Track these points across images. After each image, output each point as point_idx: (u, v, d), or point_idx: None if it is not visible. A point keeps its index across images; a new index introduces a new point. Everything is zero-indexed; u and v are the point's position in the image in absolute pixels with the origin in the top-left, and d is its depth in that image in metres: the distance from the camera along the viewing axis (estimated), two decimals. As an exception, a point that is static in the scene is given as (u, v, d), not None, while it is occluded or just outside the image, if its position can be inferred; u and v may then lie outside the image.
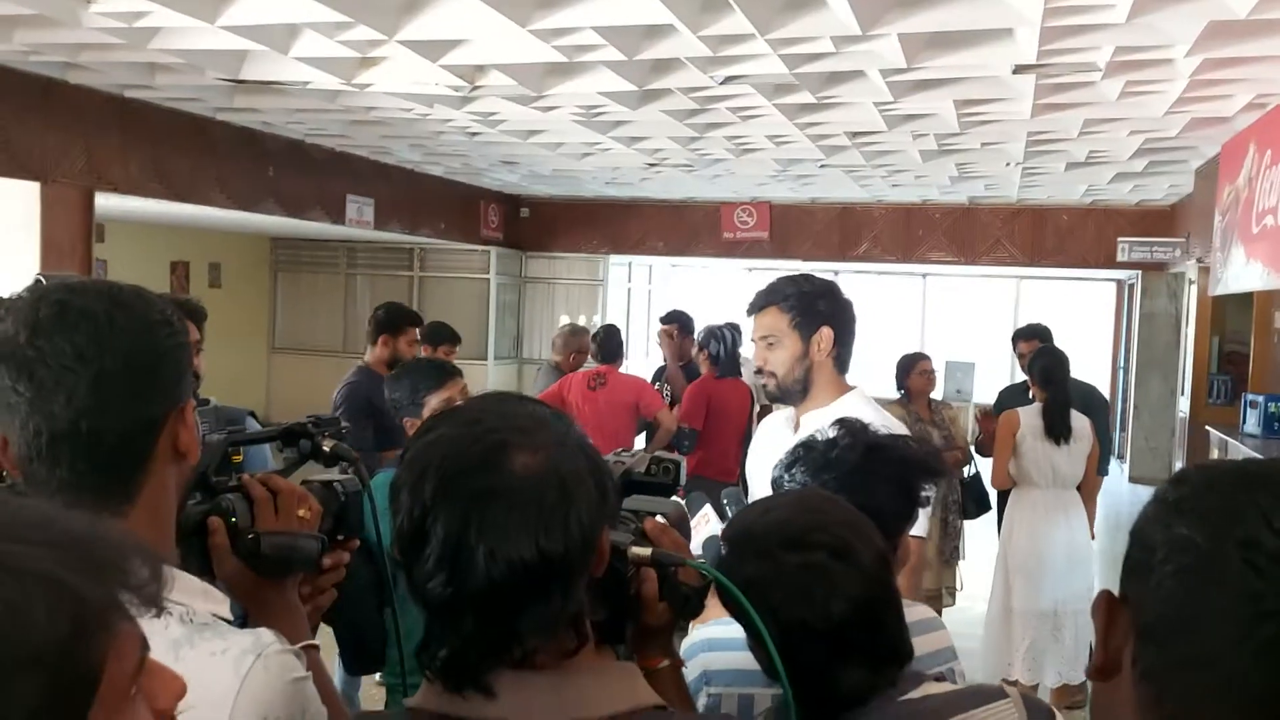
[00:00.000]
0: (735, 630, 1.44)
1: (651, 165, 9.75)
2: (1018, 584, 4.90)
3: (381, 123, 8.10)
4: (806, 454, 1.65)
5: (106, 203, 7.80)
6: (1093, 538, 5.10)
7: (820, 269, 13.58)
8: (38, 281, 1.24)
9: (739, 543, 1.34)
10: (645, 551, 1.20)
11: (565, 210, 13.02)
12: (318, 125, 8.51)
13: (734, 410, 5.95)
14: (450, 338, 5.93)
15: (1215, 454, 8.16)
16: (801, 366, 2.47)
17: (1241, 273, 6.67)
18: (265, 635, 1.09)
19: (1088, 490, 5.01)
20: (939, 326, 14.45)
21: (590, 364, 6.46)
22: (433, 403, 2.80)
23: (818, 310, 2.48)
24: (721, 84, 6.17)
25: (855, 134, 7.71)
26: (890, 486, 1.60)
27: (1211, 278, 7.79)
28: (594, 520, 1.04)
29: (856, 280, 14.07)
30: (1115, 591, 0.79)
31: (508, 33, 5.21)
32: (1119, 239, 10.41)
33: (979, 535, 6.13)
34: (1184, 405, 9.60)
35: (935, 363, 6.00)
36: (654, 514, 1.30)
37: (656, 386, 6.65)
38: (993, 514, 5.62)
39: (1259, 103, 6.18)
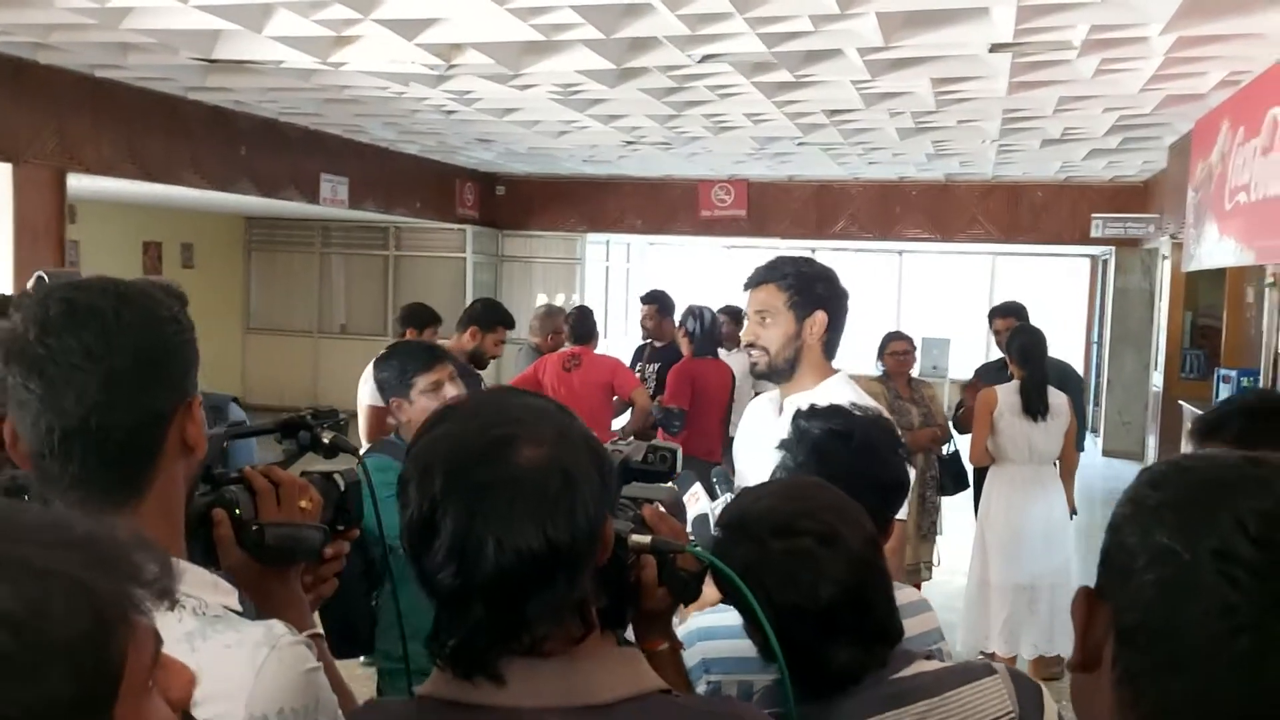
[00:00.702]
0: (729, 618, 1.46)
1: (629, 143, 9.73)
2: (995, 558, 4.96)
3: (356, 101, 8.04)
4: (800, 439, 1.67)
5: (78, 183, 7.72)
6: (1075, 513, 5.16)
7: (798, 246, 13.62)
8: (40, 279, 1.24)
9: (732, 529, 1.37)
10: (645, 539, 1.22)
11: (542, 188, 12.98)
12: (291, 104, 8.44)
13: (715, 389, 5.98)
14: (434, 319, 5.91)
15: (1188, 427, 8.27)
16: (792, 346, 2.49)
17: (1215, 248, 6.74)
18: (278, 627, 1.11)
19: (1066, 467, 5.07)
20: (915, 303, 14.53)
21: (567, 345, 6.46)
22: (420, 384, 2.80)
23: (815, 293, 2.50)
24: (700, 62, 6.17)
25: (833, 112, 7.72)
26: (876, 484, 1.63)
27: (1185, 253, 7.87)
28: (598, 509, 1.07)
29: (833, 258, 14.11)
30: (1091, 586, 0.81)
31: (485, 11, 5.19)
32: (1093, 215, 10.48)
33: (956, 511, 6.19)
34: (1157, 380, 9.70)
35: (913, 343, 6.01)
36: (650, 500, 1.32)
37: (638, 367, 6.66)
38: (970, 490, 5.68)
39: (1232, 80, 6.23)
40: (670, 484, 1.41)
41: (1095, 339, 13.71)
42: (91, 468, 1.09)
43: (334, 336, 13.64)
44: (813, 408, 1.83)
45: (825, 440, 1.68)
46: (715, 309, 6.69)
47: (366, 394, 5.18)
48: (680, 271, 14.88)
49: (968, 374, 13.55)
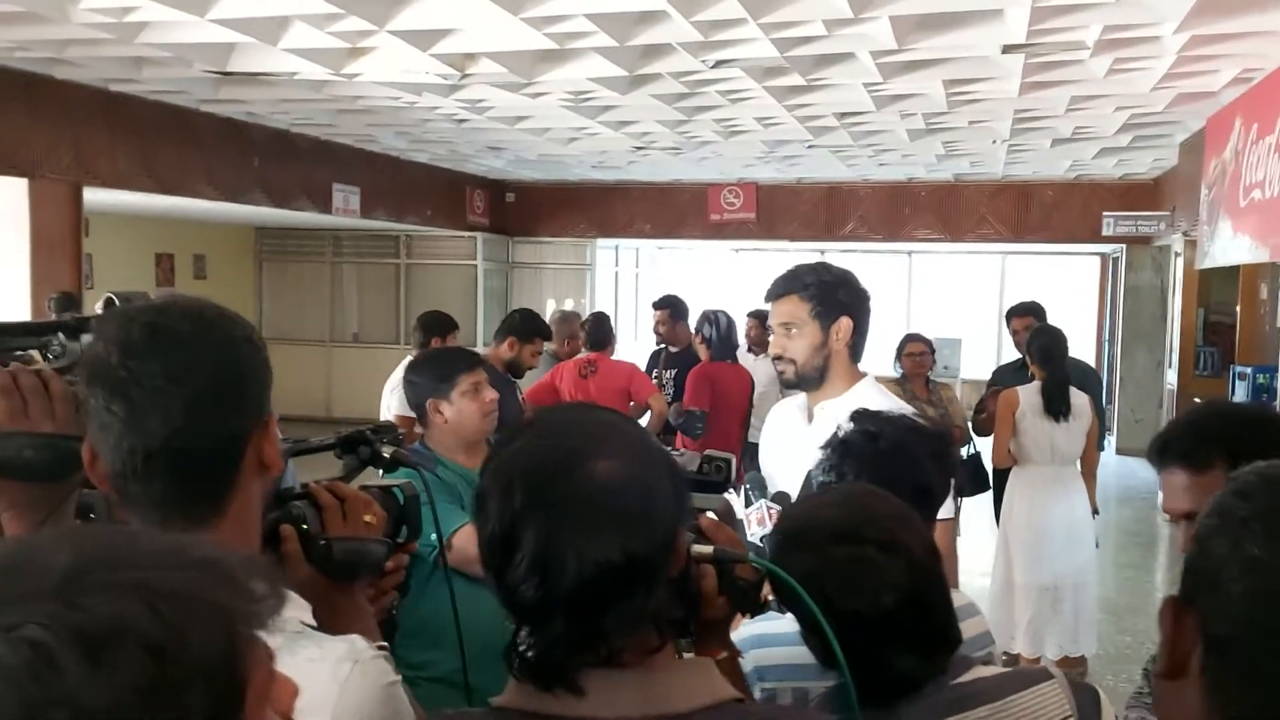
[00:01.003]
0: (782, 625, 1.48)
1: (639, 149, 9.75)
2: (1018, 559, 4.97)
3: (368, 111, 8.07)
4: (844, 454, 1.69)
5: (90, 196, 7.76)
6: (1097, 512, 5.16)
7: (807, 249, 13.64)
8: (110, 301, 1.26)
9: (790, 538, 1.38)
10: (707, 549, 1.24)
11: (551, 194, 13.01)
12: (303, 115, 8.47)
13: (734, 393, 6.00)
14: (453, 325, 5.97)
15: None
16: (820, 355, 2.49)
17: (1229, 245, 6.74)
18: (359, 642, 1.12)
19: (1087, 467, 5.07)
20: (925, 304, 14.52)
21: (583, 351, 6.48)
22: (463, 385, 2.83)
23: (837, 300, 2.51)
24: (712, 68, 6.18)
25: (843, 115, 7.73)
26: (916, 482, 1.65)
27: (1199, 251, 7.86)
28: (672, 521, 1.09)
29: (843, 259, 14.07)
30: (1176, 596, 0.82)
31: (499, 21, 5.21)
32: (1104, 213, 10.47)
33: (975, 513, 6.20)
34: (1171, 377, 9.69)
35: (930, 345, 6.03)
36: (705, 511, 1.33)
37: (655, 373, 6.67)
38: (988, 492, 5.69)
39: (1245, 77, 6.23)
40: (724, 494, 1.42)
41: (1107, 337, 13.69)
42: (173, 488, 1.11)
43: (347, 345, 13.68)
44: (856, 412, 1.84)
45: (857, 440, 1.70)
46: (743, 312, 6.73)
47: (395, 403, 5.23)
48: (690, 275, 14.89)
49: (979, 374, 13.55)
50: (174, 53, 6.12)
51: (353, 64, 6.26)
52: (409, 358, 6.20)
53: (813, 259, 12.07)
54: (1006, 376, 5.66)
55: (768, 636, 1.55)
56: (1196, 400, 8.52)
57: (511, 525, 1.04)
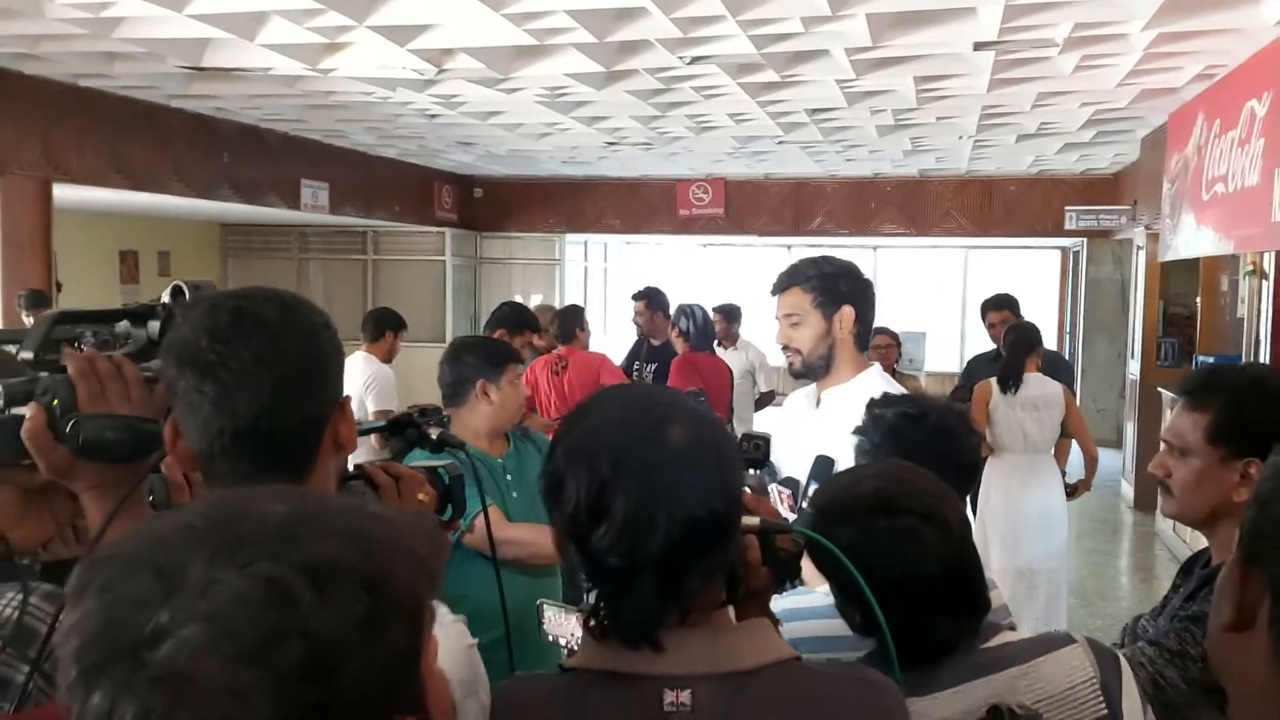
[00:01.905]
0: (815, 599, 1.55)
1: (610, 144, 9.79)
2: (995, 544, 5.08)
3: (340, 106, 8.05)
4: (889, 436, 1.77)
5: (54, 193, 7.68)
6: (1088, 488, 5.30)
7: (774, 244, 13.76)
8: (178, 289, 1.30)
9: (830, 512, 1.45)
10: (754, 520, 1.30)
11: (520, 190, 13.02)
12: (273, 110, 8.43)
13: (716, 382, 6.08)
14: (403, 324, 6.41)
15: (1168, 413, 8.44)
16: (825, 344, 2.57)
17: (1192, 238, 6.89)
18: (440, 607, 1.17)
19: (1088, 454, 5.21)
20: (890, 298, 14.68)
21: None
22: (510, 374, 2.95)
23: (839, 290, 2.58)
24: (689, 64, 6.24)
25: (815, 110, 7.82)
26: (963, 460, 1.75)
27: (1161, 244, 8.03)
28: (738, 480, 1.18)
29: (810, 254, 14.21)
30: (1242, 555, 0.89)
31: (479, 16, 5.23)
32: (1067, 208, 10.65)
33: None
34: (1134, 368, 9.88)
35: (895, 338, 6.27)
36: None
37: (635, 366, 6.72)
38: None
39: (1208, 74, 6.38)
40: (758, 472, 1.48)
41: (1068, 329, 13.92)
42: (259, 465, 1.16)
43: (313, 342, 13.59)
44: (886, 396, 1.92)
45: (902, 424, 1.78)
46: (709, 306, 6.80)
47: (372, 400, 5.34)
48: (658, 270, 14.96)
49: (943, 367, 13.70)
50: (148, 48, 6.07)
51: (328, 59, 6.25)
52: (362, 355, 6.37)
53: (779, 254, 12.21)
54: (981, 367, 5.77)
55: (801, 610, 1.62)
56: (1160, 390, 8.72)
57: (599, 495, 1.10)
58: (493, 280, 13.65)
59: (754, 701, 1.12)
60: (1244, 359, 7.10)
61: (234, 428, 1.14)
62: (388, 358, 6.54)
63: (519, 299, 12.55)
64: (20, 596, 1.17)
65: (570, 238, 13.66)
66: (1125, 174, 10.66)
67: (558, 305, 9.98)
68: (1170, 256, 7.74)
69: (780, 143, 9.41)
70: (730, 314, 7.42)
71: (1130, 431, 9.89)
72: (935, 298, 15.07)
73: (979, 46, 5.76)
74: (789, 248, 14.27)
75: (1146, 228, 9.19)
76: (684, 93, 7.20)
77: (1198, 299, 9.31)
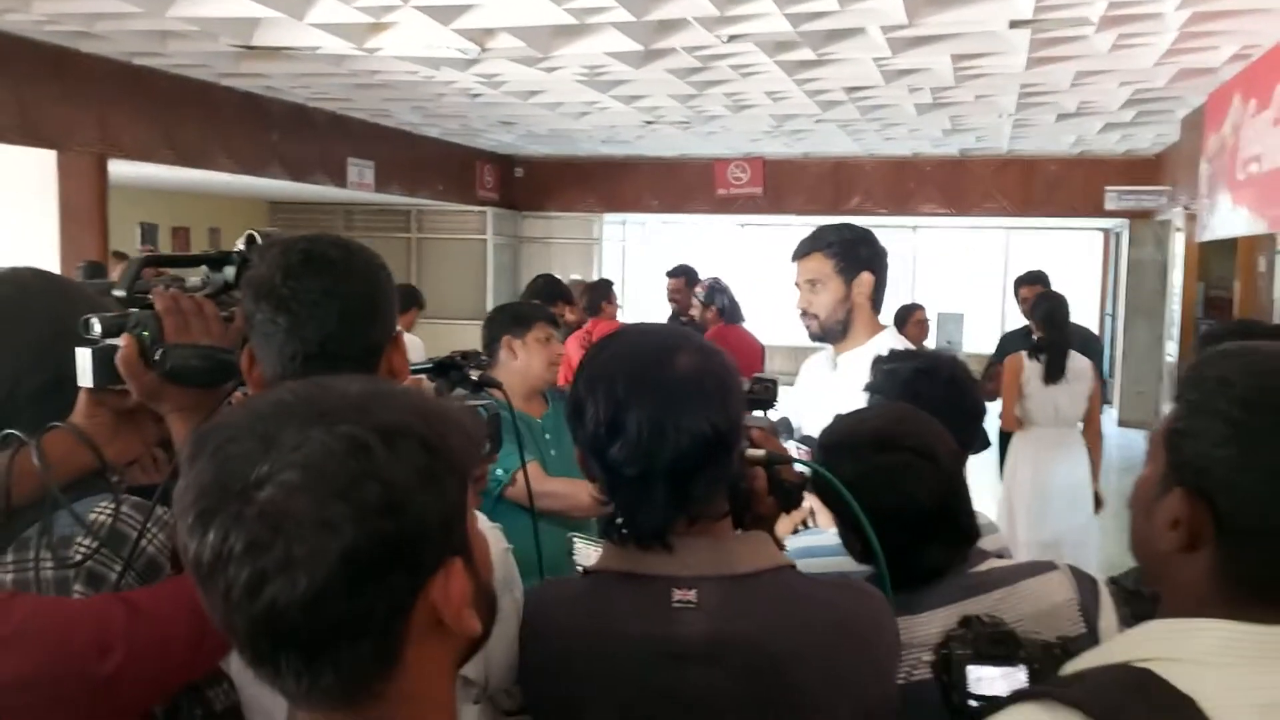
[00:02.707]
0: (826, 539, 1.69)
1: (649, 123, 9.89)
2: (1021, 517, 5.17)
3: (385, 85, 8.22)
4: (906, 390, 1.91)
5: (111, 169, 7.92)
6: (1095, 479, 5.34)
7: (812, 223, 13.78)
8: (251, 238, 1.47)
9: (835, 447, 1.59)
10: (760, 452, 1.44)
11: (559, 169, 13.16)
12: (321, 89, 8.62)
13: (747, 355, 6.23)
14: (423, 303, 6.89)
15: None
16: (843, 308, 2.69)
17: (1228, 218, 6.91)
18: (479, 514, 1.32)
19: (1092, 429, 5.26)
20: (930, 278, 14.70)
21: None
22: (538, 332, 3.13)
23: (859, 256, 2.70)
24: (726, 43, 6.33)
25: (852, 89, 7.87)
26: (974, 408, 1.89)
27: (1198, 224, 8.03)
28: (739, 406, 1.32)
29: (848, 234, 14.29)
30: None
31: (522, -4, 5.38)
32: (1107, 188, 10.62)
33: (976, 473, 6.40)
34: (1172, 350, 9.87)
35: (928, 313, 6.42)
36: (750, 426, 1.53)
37: None
38: (988, 454, 5.88)
39: (1244, 54, 6.38)
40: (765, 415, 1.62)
41: (1109, 311, 13.87)
42: None
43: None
44: (893, 352, 2.05)
45: (916, 378, 1.91)
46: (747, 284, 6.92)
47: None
48: (696, 249, 15.07)
49: (982, 349, 13.75)
50: (201, 26, 6.26)
51: (374, 39, 6.41)
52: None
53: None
54: (1013, 343, 5.84)
55: (814, 548, 1.76)
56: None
57: (616, 412, 1.25)
58: (533, 259, 13.82)
59: (750, 600, 1.27)
60: (1280, 339, 7.09)
61: (305, 353, 1.31)
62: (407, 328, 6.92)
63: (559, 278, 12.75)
64: (113, 505, 1.34)
65: (609, 217, 13.79)
66: (1166, 155, 10.61)
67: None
68: (1207, 237, 7.74)
69: (818, 121, 9.46)
70: (689, 278, 7.32)
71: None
72: (976, 279, 15.04)
73: (1015, 25, 5.81)
74: (828, 228, 14.30)
75: (1185, 208, 9.16)
76: (721, 71, 7.29)
77: (1235, 281, 9.27)
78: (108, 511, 1.34)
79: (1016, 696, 1.01)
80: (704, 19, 5.78)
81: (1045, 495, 5.07)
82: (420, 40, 6.44)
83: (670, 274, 7.17)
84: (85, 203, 7.33)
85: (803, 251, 2.76)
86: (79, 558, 1.31)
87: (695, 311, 6.70)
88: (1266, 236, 7.68)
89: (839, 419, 1.70)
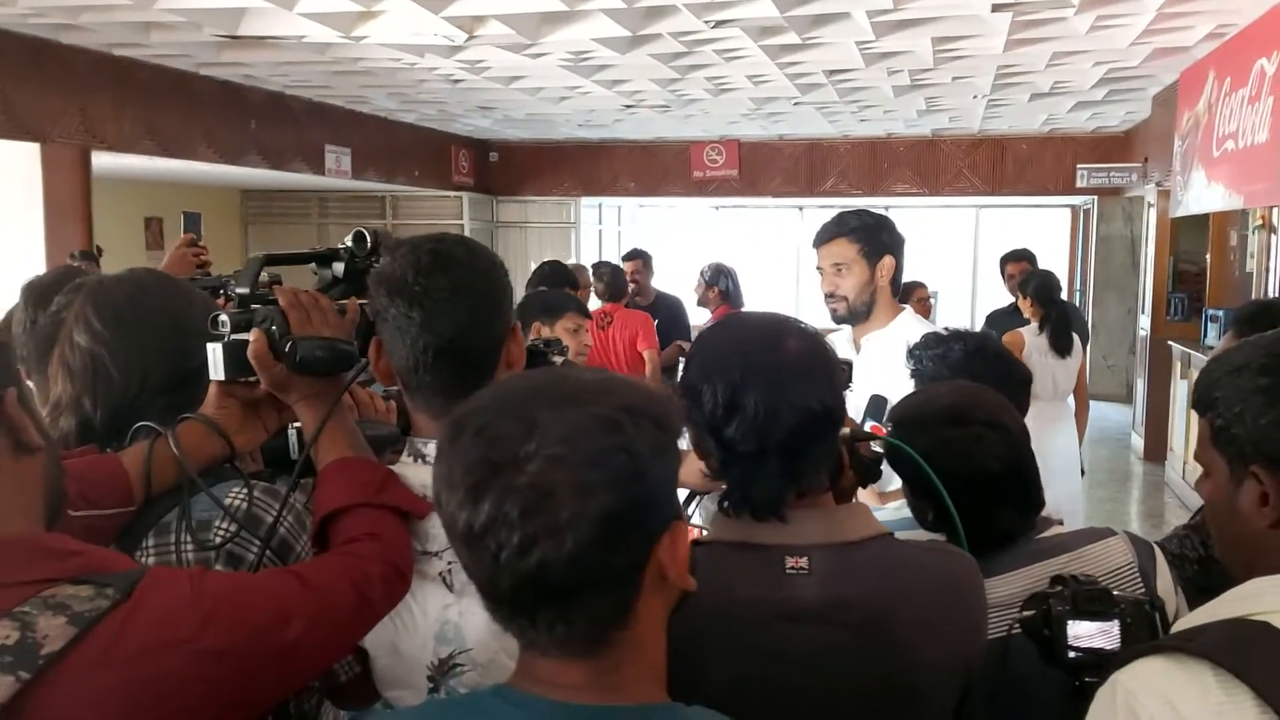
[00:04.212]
0: (884, 514, 1.80)
1: (628, 107, 9.92)
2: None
3: (365, 73, 8.19)
4: (941, 363, 2.01)
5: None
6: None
7: (786, 205, 13.91)
8: (360, 234, 1.55)
9: (909, 423, 1.69)
10: (843, 430, 1.53)
11: (534, 153, 13.17)
12: (300, 77, 8.58)
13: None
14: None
15: (1178, 366, 8.67)
16: (868, 291, 2.80)
17: (1203, 194, 7.07)
18: None
19: (1082, 399, 5.41)
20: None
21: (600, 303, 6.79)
22: (567, 321, 3.17)
23: (881, 241, 2.81)
24: (713, 28, 6.39)
25: (833, 72, 7.95)
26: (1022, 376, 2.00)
27: (1172, 200, 8.20)
28: (841, 383, 1.43)
29: (823, 215, 14.33)
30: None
31: (515, -17, 5.40)
32: (1078, 165, 10.79)
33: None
34: (1145, 323, 10.08)
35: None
36: None
37: None
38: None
39: (1218, 32, 6.53)
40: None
41: (1079, 286, 14.09)
42: (454, 377, 1.41)
43: (333, 306, 13.80)
44: (926, 338, 2.16)
45: (968, 359, 2.02)
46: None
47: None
48: (671, 232, 15.14)
49: (953, 325, 13.74)
50: (187, 17, 6.24)
51: (361, 26, 6.41)
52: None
53: (791, 215, 12.29)
54: (1001, 320, 5.98)
55: (890, 523, 1.83)
56: (1170, 344, 8.93)
57: (734, 394, 1.34)
58: (510, 244, 13.82)
59: (857, 566, 1.37)
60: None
61: (436, 346, 1.40)
62: None
63: (533, 263, 12.77)
64: (247, 491, 1.41)
65: (585, 201, 13.82)
66: (1135, 132, 10.81)
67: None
68: (1181, 213, 7.92)
69: (796, 104, 9.54)
70: (649, 262, 7.47)
71: (1140, 385, 10.10)
72: (946, 258, 15.20)
73: (997, 8, 5.92)
74: (800, 209, 14.43)
75: (1158, 185, 9.35)
76: (705, 55, 7.33)
77: (1207, 255, 9.48)
78: (242, 496, 1.41)
79: (1139, 651, 1.10)
80: (692, 5, 5.84)
81: (1046, 466, 5.17)
82: (408, 28, 6.44)
83: (626, 257, 7.44)
84: (69, 195, 7.30)
85: (826, 237, 2.86)
86: (219, 540, 1.38)
87: (711, 295, 6.90)
88: (1238, 212, 7.87)
89: (908, 398, 1.80)
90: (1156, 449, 9.27)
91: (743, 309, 6.50)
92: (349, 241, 1.58)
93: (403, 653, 1.42)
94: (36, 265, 7.15)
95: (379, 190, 12.93)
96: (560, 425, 0.94)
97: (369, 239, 1.56)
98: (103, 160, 8.35)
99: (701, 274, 7.05)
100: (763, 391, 1.33)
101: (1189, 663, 1.04)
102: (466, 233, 13.03)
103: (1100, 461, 9.42)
